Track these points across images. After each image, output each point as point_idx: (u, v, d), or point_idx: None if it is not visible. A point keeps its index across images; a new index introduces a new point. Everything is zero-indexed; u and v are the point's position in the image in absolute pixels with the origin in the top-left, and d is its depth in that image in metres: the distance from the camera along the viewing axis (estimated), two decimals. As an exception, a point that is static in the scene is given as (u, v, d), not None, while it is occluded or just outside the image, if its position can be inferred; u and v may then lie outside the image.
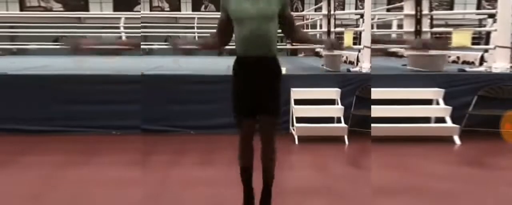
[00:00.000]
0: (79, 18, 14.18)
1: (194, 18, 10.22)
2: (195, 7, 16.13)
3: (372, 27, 8.68)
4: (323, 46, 2.17)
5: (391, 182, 3.35)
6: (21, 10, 15.28)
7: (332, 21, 6.20)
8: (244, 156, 2.52)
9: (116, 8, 15.05)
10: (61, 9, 15.63)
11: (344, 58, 6.73)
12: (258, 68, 2.37)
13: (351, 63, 6.57)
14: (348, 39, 6.01)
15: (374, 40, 5.82)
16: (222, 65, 5.19)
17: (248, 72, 2.38)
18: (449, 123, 4.69)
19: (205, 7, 16.29)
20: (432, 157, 4.14)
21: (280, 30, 2.53)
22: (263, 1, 2.33)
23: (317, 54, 8.75)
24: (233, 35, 2.49)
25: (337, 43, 2.42)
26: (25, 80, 5.06)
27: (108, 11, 14.67)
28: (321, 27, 6.60)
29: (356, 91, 4.91)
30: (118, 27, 8.71)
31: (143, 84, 4.76)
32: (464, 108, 4.78)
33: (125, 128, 4.73)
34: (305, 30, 9.47)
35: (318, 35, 7.32)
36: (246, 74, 2.39)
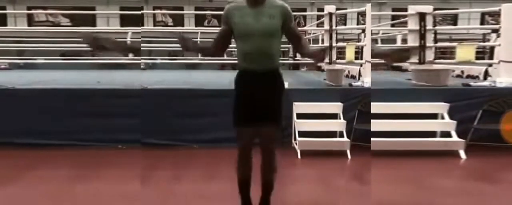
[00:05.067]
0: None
1: (197, 33, 10.34)
2: (198, 22, 16.39)
3: (377, 42, 8.75)
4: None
5: (395, 197, 3.30)
6: (29, 25, 15.60)
7: (334, 36, 6.25)
8: (243, 168, 2.49)
9: (123, 23, 15.32)
10: (69, 24, 15.92)
11: (346, 72, 6.73)
12: (260, 80, 2.38)
13: (353, 77, 6.57)
14: (349, 54, 6.03)
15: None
16: (224, 79, 5.22)
17: (250, 84, 2.39)
18: (454, 137, 4.65)
19: (208, 22, 16.53)
20: (438, 171, 4.09)
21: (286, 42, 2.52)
22: (267, 14, 2.31)
23: (319, 68, 8.77)
24: (236, 49, 2.48)
25: (321, 53, 2.43)
26: (32, 94, 5.09)
27: (115, 26, 14.91)
28: (323, 41, 6.65)
29: (359, 105, 4.89)
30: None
31: (146, 98, 4.78)
32: (469, 122, 4.74)
33: (131, 142, 4.71)
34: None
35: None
36: (248, 86, 2.39)
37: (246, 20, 2.31)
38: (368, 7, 5.54)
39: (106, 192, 3.41)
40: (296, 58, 10.64)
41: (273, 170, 2.51)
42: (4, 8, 16.35)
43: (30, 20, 16.04)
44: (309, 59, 2.56)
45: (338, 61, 6.39)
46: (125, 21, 15.17)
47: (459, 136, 4.64)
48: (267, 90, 2.38)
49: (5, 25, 14.20)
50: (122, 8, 16.12)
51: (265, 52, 2.33)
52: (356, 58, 6.45)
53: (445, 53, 9.51)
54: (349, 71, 6.88)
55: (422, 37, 5.87)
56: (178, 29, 15.56)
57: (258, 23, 2.30)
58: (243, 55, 2.37)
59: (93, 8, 16.37)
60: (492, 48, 7.00)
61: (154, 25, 16.25)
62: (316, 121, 4.78)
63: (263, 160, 2.49)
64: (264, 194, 2.55)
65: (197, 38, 9.46)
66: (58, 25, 15.85)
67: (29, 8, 16.35)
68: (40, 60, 9.33)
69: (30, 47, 9.50)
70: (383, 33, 9.35)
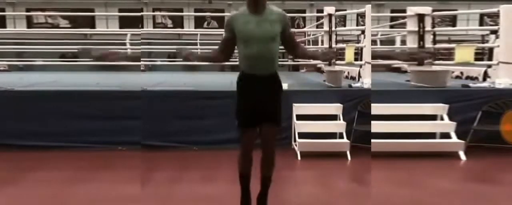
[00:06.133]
0: (86, 34, 14.42)
1: (196, 34, 10.35)
2: (198, 24, 16.45)
3: (376, 43, 8.77)
4: (319, 61, 2.44)
5: (395, 198, 3.30)
6: (29, 27, 15.58)
7: (334, 37, 6.25)
8: (244, 164, 2.61)
9: (122, 25, 15.32)
10: (68, 25, 15.93)
11: (346, 73, 6.74)
12: (261, 82, 2.52)
13: (352, 78, 6.58)
14: (349, 55, 6.03)
15: (378, 56, 5.85)
16: (224, 80, 5.21)
17: (251, 86, 2.52)
18: (454, 138, 4.65)
19: (208, 24, 16.59)
20: (438, 172, 4.08)
21: (282, 47, 2.66)
22: (267, 22, 2.47)
23: (319, 70, 8.77)
24: (238, 53, 2.60)
25: (331, 52, 2.65)
26: (32, 95, 5.08)
27: (114, 28, 14.91)
28: (322, 43, 6.66)
29: (358, 106, 4.90)
30: (124, 44, 8.83)
31: (145, 99, 4.77)
32: (468, 124, 4.75)
33: (131, 143, 4.71)
34: (306, 46, 9.52)
35: (319, 51, 7.38)
36: (250, 88, 2.53)
37: (248, 27, 2.47)
38: (367, 8, 5.55)
39: (106, 194, 3.41)
40: (295, 60, 10.66)
41: (272, 167, 2.63)
42: (3, 10, 16.36)
43: (29, 22, 16.03)
44: (314, 59, 2.75)
45: (337, 62, 6.39)
46: (125, 23, 15.16)
47: (458, 137, 4.64)
48: (267, 92, 2.53)
49: (4, 27, 14.20)
50: (121, 10, 16.12)
51: (265, 56, 2.49)
52: (356, 59, 6.46)
53: (444, 54, 9.52)
54: (348, 72, 6.89)
55: (421, 38, 5.88)
56: (178, 31, 15.59)
57: (259, 29, 2.46)
58: (246, 58, 2.52)
59: (92, 10, 16.36)
60: (491, 49, 7.01)
61: (154, 27, 16.27)
62: (316, 122, 4.78)
63: (264, 157, 2.60)
64: (263, 188, 2.67)
65: (196, 39, 9.48)
66: (57, 27, 15.86)
67: (28, 10, 16.34)
68: (39, 62, 9.31)
69: (29, 49, 9.49)
70: (382, 34, 9.36)
